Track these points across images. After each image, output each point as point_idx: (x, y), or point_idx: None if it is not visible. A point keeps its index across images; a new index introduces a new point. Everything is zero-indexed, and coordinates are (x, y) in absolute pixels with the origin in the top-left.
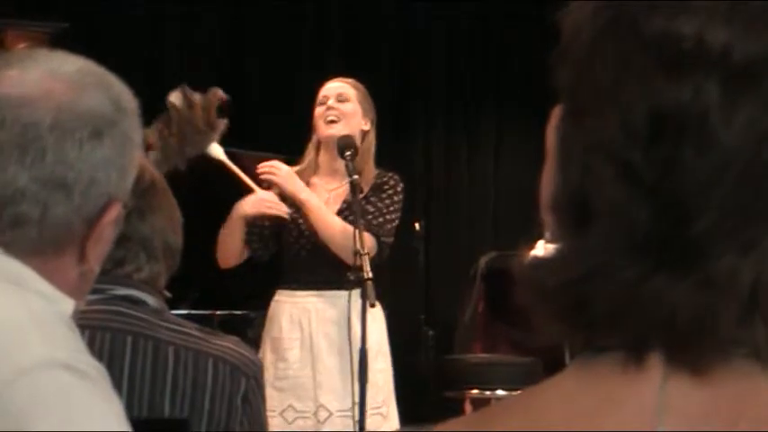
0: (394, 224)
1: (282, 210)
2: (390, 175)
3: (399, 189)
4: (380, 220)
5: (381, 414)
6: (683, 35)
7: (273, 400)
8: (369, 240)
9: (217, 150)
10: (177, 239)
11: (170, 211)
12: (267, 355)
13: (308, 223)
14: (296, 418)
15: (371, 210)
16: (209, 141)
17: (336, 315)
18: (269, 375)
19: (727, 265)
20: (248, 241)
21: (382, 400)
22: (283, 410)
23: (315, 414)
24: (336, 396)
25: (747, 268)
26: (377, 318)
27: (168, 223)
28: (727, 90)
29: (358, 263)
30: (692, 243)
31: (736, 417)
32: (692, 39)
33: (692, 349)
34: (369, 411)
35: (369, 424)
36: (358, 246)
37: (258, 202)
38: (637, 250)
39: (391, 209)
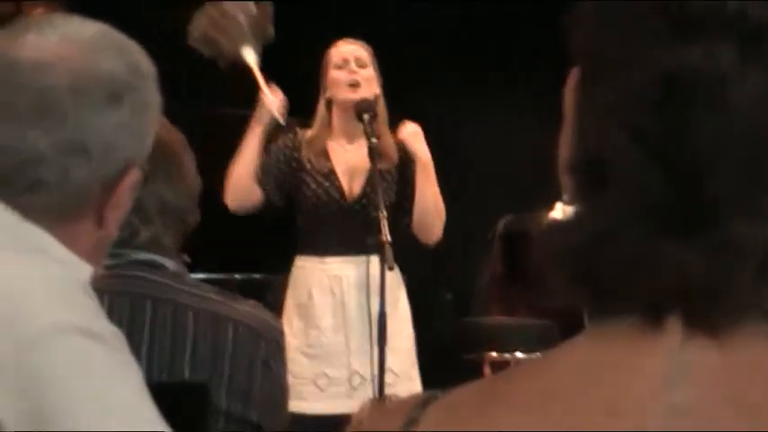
0: None
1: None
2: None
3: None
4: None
5: (410, 378)
6: None
7: (305, 368)
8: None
9: (250, 56)
10: (180, 200)
11: (170, 172)
12: (294, 321)
13: (421, 186)
14: (329, 386)
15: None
16: (248, 44)
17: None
18: (299, 343)
19: (739, 229)
20: (261, 181)
21: (410, 364)
22: (316, 377)
23: (348, 380)
24: (370, 362)
25: (759, 232)
26: (400, 284)
27: (166, 185)
28: (741, 53)
29: (376, 226)
30: (705, 207)
31: (750, 381)
32: (706, 1)
33: (708, 313)
34: (401, 376)
35: (399, 389)
36: (380, 212)
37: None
38: (650, 214)
39: None
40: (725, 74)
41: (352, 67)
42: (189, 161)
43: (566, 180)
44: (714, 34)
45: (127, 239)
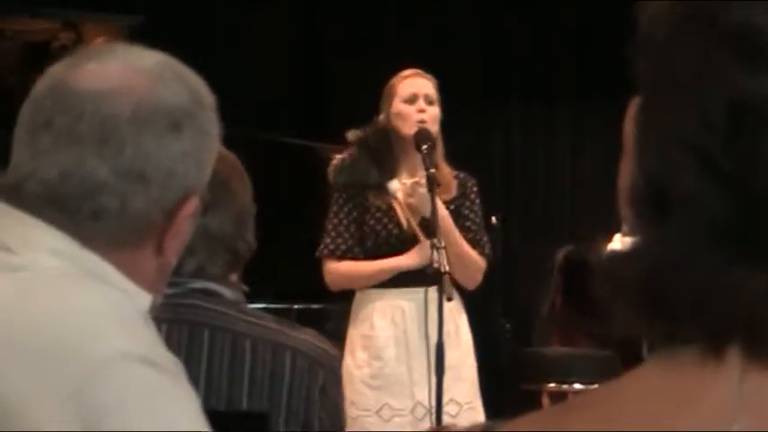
0: (488, 237)
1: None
2: (466, 176)
3: (479, 192)
4: (485, 238)
5: (473, 408)
6: (762, 28)
7: (369, 399)
8: (480, 262)
9: (395, 187)
10: (226, 228)
11: (216, 199)
12: (358, 353)
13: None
14: (393, 416)
15: (473, 227)
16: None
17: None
18: (363, 374)
19: None
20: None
21: (473, 394)
22: (380, 409)
23: (412, 411)
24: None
25: None
26: (461, 313)
27: (209, 213)
28: None
29: (435, 257)
30: None
31: None
32: None
33: None
34: (464, 406)
35: (462, 419)
36: (435, 241)
37: (417, 255)
38: (716, 242)
39: (483, 219)
40: None
41: (421, 104)
42: (239, 187)
43: (626, 210)
44: None
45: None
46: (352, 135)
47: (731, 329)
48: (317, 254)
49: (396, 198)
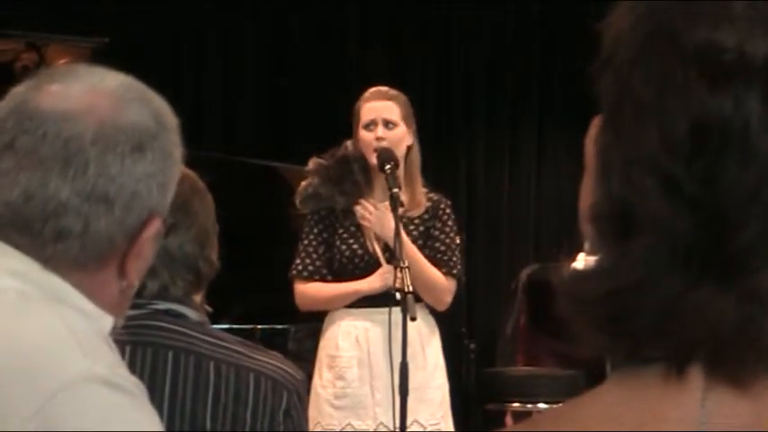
0: (460, 257)
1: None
2: (440, 198)
3: (453, 215)
4: (454, 259)
5: (440, 430)
6: (724, 47)
7: (333, 419)
8: (446, 284)
9: (362, 211)
10: (187, 248)
11: (176, 221)
12: (324, 373)
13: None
14: None
15: (441, 248)
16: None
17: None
18: (328, 394)
19: None
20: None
21: (441, 416)
22: (343, 428)
23: None
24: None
25: None
26: (433, 334)
27: (170, 234)
28: None
29: (398, 276)
30: (735, 256)
31: None
32: (733, 50)
33: (734, 361)
34: (428, 428)
35: None
36: (398, 259)
37: (379, 280)
38: (679, 263)
39: (456, 240)
40: (755, 123)
41: (379, 132)
42: (200, 208)
43: (587, 229)
44: (742, 83)
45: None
46: (312, 164)
47: (694, 349)
48: (289, 274)
49: (362, 221)
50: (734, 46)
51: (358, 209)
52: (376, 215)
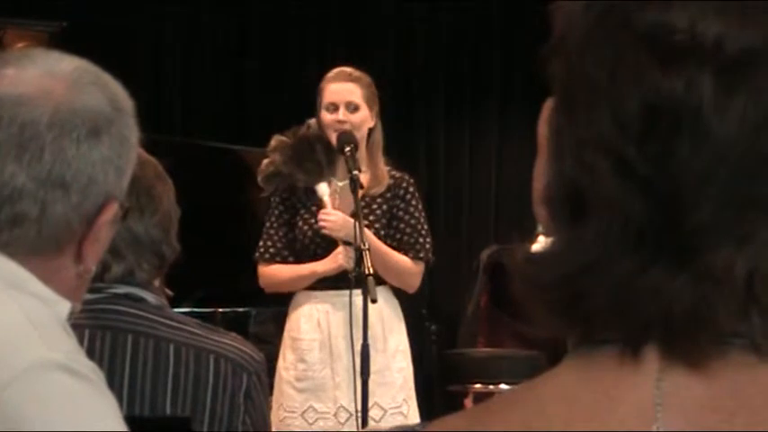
0: (429, 238)
1: (348, 262)
2: (402, 176)
3: (417, 193)
4: (420, 240)
5: (402, 413)
6: (676, 27)
7: (294, 401)
8: (413, 267)
9: (323, 189)
10: (152, 233)
11: (141, 205)
12: (287, 355)
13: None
14: (317, 419)
15: (407, 229)
16: (322, 179)
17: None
18: (290, 376)
19: (723, 258)
20: (285, 259)
21: (402, 399)
22: (304, 411)
23: (335, 415)
24: (356, 396)
25: (743, 260)
26: (398, 316)
27: (136, 218)
28: (721, 82)
29: (357, 256)
30: (688, 236)
31: (734, 409)
32: (685, 31)
33: (688, 342)
34: (389, 411)
35: (387, 424)
36: (359, 241)
37: (333, 262)
38: (632, 244)
39: (421, 221)
40: (707, 104)
41: (340, 115)
42: (163, 192)
43: (540, 212)
44: (694, 64)
45: (98, 275)
46: (274, 141)
47: (648, 330)
48: (254, 257)
49: (323, 201)
50: (685, 27)
51: (322, 189)
52: (336, 223)
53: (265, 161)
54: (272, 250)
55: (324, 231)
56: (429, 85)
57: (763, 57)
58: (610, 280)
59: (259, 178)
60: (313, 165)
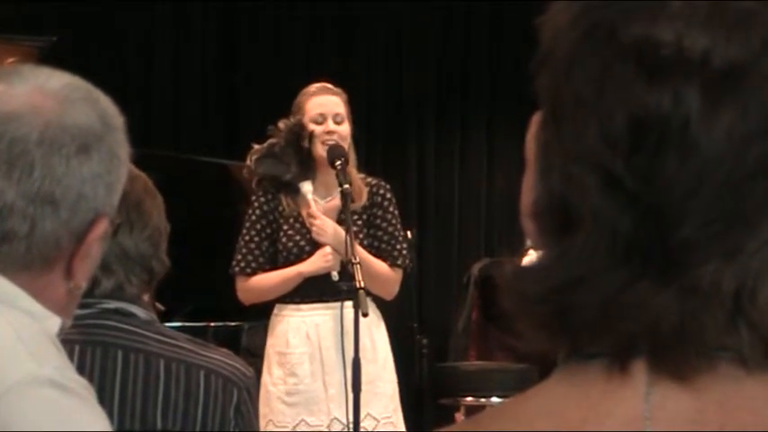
0: (405, 243)
1: (335, 266)
2: (378, 183)
3: (393, 199)
4: (398, 247)
5: (392, 423)
6: (662, 42)
7: (286, 416)
8: (392, 275)
9: (307, 188)
10: (141, 248)
11: (130, 220)
12: (274, 370)
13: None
14: None
15: (384, 237)
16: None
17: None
18: (279, 391)
19: (710, 272)
20: (263, 269)
21: (392, 409)
22: (296, 425)
23: (328, 427)
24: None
25: (731, 274)
26: (379, 329)
27: (125, 233)
28: (708, 96)
29: (350, 272)
30: (675, 250)
31: (723, 422)
32: (671, 45)
33: (676, 356)
34: (381, 421)
35: None
36: (349, 255)
37: (320, 261)
38: (620, 258)
39: (398, 227)
40: (694, 118)
41: (329, 126)
42: (153, 207)
43: (528, 226)
44: (681, 78)
45: (88, 290)
46: (282, 124)
47: (635, 344)
48: (230, 271)
49: (306, 198)
50: (672, 41)
51: (307, 187)
52: (326, 225)
53: (257, 147)
54: (253, 264)
55: (312, 231)
56: (419, 98)
57: (749, 70)
58: (597, 294)
59: (251, 159)
60: (303, 159)
